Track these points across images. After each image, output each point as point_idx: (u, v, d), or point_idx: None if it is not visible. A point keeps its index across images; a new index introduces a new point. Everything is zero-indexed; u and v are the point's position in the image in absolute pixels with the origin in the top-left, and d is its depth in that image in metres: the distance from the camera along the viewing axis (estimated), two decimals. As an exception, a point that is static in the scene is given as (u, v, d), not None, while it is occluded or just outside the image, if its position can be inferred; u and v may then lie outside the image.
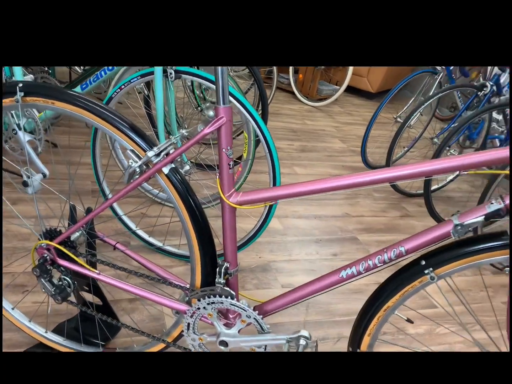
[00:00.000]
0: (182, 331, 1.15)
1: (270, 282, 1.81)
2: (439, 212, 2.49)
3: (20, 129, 1.70)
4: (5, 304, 1.28)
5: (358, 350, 1.01)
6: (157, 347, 1.19)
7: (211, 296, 1.00)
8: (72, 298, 1.20)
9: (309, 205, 2.49)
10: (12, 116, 1.71)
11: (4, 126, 1.76)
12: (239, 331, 1.04)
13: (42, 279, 1.06)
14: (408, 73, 5.56)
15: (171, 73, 1.48)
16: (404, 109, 3.11)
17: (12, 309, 1.28)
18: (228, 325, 1.06)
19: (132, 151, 0.94)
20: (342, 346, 1.54)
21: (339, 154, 3.39)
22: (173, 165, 0.95)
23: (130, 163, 0.93)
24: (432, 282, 0.88)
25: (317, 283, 0.98)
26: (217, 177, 0.95)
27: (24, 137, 1.69)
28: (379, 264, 0.91)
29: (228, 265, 1.00)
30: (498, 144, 2.95)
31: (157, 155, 0.93)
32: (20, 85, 0.94)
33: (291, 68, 4.68)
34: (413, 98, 3.13)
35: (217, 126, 0.88)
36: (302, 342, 0.96)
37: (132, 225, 1.85)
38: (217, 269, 1.00)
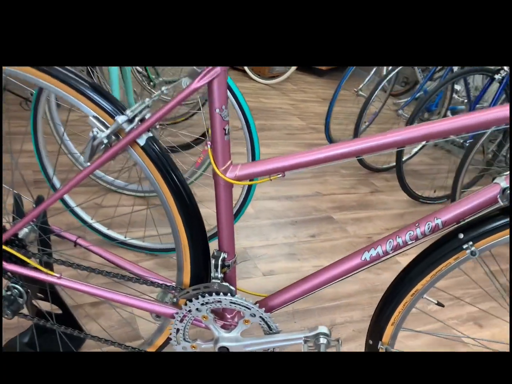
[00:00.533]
0: (168, 338, 0.95)
1: (250, 270, 1.64)
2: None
3: None
4: None
5: (380, 342, 0.87)
6: (137, 360, 0.99)
7: (206, 295, 0.82)
8: (24, 309, 0.97)
9: (279, 185, 2.33)
10: None
11: None
12: (241, 334, 0.86)
13: (-16, 290, 0.83)
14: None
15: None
16: (365, 82, 3.01)
17: None
18: (226, 328, 0.88)
19: (96, 117, 0.73)
20: (337, 334, 1.41)
21: (300, 132, 3.25)
22: (150, 134, 0.75)
23: (94, 133, 0.72)
24: (473, 257, 0.75)
25: (333, 269, 0.82)
26: (209, 146, 0.76)
27: None
28: (410, 242, 0.76)
29: (225, 256, 0.82)
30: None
31: (130, 121, 0.72)
32: None
33: (240, 46, 4.46)
34: (374, 70, 3.03)
35: (209, 79, 0.69)
36: (322, 340, 0.80)
37: (87, 218, 1.61)
38: (213, 261, 0.82)
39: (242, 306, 0.82)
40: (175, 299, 0.87)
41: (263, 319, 0.83)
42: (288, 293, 0.85)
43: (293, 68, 4.45)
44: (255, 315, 0.83)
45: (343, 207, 2.25)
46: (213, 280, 0.82)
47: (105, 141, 0.72)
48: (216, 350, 0.86)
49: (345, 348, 1.36)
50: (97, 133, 0.72)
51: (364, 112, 2.59)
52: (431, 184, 2.59)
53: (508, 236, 0.73)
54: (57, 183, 1.57)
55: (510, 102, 2.57)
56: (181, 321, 0.86)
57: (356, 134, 2.66)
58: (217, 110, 0.71)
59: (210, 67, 0.68)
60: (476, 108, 2.70)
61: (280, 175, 0.76)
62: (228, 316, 0.89)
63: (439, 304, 0.85)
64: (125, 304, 0.88)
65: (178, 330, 0.87)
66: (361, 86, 2.97)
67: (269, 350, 0.86)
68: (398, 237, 0.77)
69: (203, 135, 1.99)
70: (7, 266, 0.83)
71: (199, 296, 0.82)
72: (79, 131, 1.69)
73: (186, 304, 0.83)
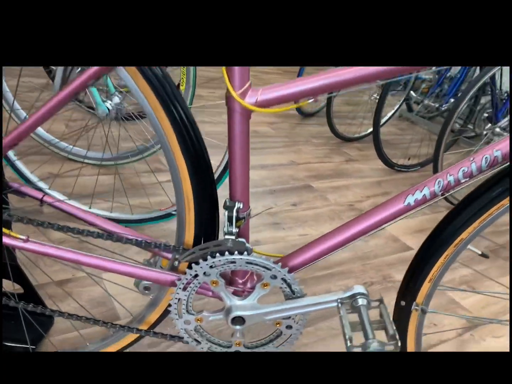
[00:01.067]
0: (164, 312, 0.80)
1: (233, 241, 1.49)
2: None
3: None
4: None
5: (414, 302, 0.76)
6: (124, 341, 0.82)
7: (217, 254, 0.67)
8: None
9: (252, 155, 2.17)
10: None
11: None
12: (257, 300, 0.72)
13: None
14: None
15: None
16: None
17: None
18: (238, 294, 0.73)
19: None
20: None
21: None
22: (148, 47, 0.58)
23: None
24: (531, 196, 0.64)
25: (369, 218, 0.69)
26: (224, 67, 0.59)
27: None
28: (463, 180, 0.64)
29: (240, 206, 0.67)
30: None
31: (123, 26, 0.55)
32: None
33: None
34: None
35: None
36: (361, 301, 0.67)
37: (43, 186, 1.39)
38: (225, 213, 0.66)
39: (261, 266, 0.68)
40: (176, 263, 0.71)
41: (285, 281, 0.69)
42: (311, 250, 0.71)
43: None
44: (276, 277, 0.69)
45: (320, 175, 2.14)
46: (226, 236, 0.67)
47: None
48: (229, 322, 0.71)
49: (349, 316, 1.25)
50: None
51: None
52: (402, 153, 2.53)
53: None
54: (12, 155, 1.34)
55: (511, 102, 2.55)
56: (184, 289, 0.70)
57: (330, 103, 2.54)
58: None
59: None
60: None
61: (311, 99, 0.61)
62: (240, 281, 0.74)
63: (483, 255, 0.74)
64: (111, 271, 0.71)
65: (179, 300, 0.71)
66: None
67: (292, 318, 0.72)
68: (449, 175, 0.65)
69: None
70: (-45, 228, 0.64)
71: (208, 257, 0.67)
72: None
73: (191, 268, 0.68)
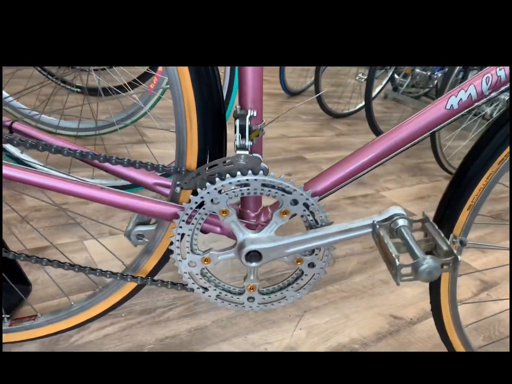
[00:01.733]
0: (162, 259, 0.68)
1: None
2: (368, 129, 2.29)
3: None
4: None
5: (451, 235, 0.66)
6: (114, 297, 0.70)
7: (227, 176, 0.55)
8: None
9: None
10: None
11: None
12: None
13: None
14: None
15: None
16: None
17: None
18: (251, 227, 0.62)
19: None
20: (343, 267, 1.20)
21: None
22: None
23: None
24: None
25: (403, 130, 0.59)
26: None
27: None
28: (516, 74, 0.55)
29: (254, 114, 0.56)
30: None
31: None
32: None
33: None
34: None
35: None
36: (402, 221, 0.56)
37: (17, 153, 1.25)
38: (236, 122, 0.55)
39: (280, 189, 0.57)
40: (178, 189, 0.59)
41: (307, 207, 0.58)
42: (338, 172, 0.61)
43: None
44: (297, 202, 0.58)
45: (312, 148, 2.04)
46: (238, 152, 0.55)
47: None
48: (243, 259, 0.60)
49: (356, 280, 1.16)
50: None
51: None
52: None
53: None
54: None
55: (511, 102, 2.57)
56: (188, 221, 0.59)
57: (318, 79, 2.46)
58: None
59: None
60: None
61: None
62: (252, 215, 0.63)
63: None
64: (103, 202, 0.59)
65: (182, 236, 0.60)
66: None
67: (316, 254, 0.62)
68: (500, 69, 0.55)
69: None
70: None
71: (217, 179, 0.55)
72: None
73: (196, 194, 0.56)
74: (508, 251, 1.28)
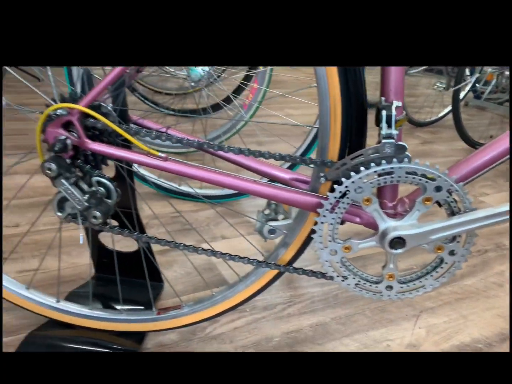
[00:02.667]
0: (299, 250, 0.72)
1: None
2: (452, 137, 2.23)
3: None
4: (-20, 267, 0.77)
5: None
6: (259, 283, 0.75)
7: (371, 164, 0.58)
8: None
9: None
10: None
11: None
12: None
13: (64, 181, 0.58)
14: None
15: None
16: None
17: (-5, 273, 0.78)
18: (390, 216, 0.64)
19: None
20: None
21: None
22: None
23: None
24: None
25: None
26: None
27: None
28: None
29: (399, 104, 0.59)
30: None
31: None
32: None
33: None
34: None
35: None
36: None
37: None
38: (383, 113, 0.58)
39: (424, 176, 0.59)
40: (322, 180, 0.63)
41: (451, 194, 0.60)
42: (480, 158, 0.62)
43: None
44: (440, 189, 0.59)
45: (399, 156, 2.02)
46: (385, 140, 0.58)
47: None
48: (386, 246, 0.62)
49: (469, 282, 1.13)
50: None
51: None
52: (479, 135, 2.38)
53: None
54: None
55: (510, 101, 2.46)
56: (332, 211, 0.62)
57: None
58: None
59: None
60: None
61: None
62: (389, 204, 0.65)
63: None
64: (251, 192, 0.64)
65: (324, 225, 0.63)
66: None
67: (457, 241, 0.63)
68: None
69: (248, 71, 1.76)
70: (92, 145, 0.59)
71: (361, 168, 0.59)
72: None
73: (340, 184, 0.60)
74: None
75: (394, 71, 0.59)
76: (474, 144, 2.24)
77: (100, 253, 0.92)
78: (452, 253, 0.64)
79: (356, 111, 0.61)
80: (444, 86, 2.80)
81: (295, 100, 2.69)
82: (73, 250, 1.05)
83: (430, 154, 2.12)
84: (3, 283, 0.77)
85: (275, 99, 1.57)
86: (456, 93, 2.24)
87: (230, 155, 0.69)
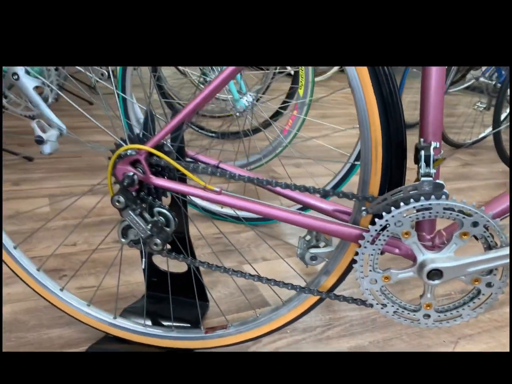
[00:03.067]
0: (340, 278, 0.76)
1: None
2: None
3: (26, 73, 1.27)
4: (48, 284, 0.86)
5: None
6: (301, 307, 0.79)
7: (411, 200, 0.63)
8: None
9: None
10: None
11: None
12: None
13: (131, 213, 0.65)
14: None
15: None
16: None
17: (61, 290, 0.86)
18: (427, 248, 0.68)
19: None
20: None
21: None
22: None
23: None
24: None
25: None
26: None
27: (29, 83, 1.27)
28: None
29: (437, 145, 0.63)
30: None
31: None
32: None
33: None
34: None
35: None
36: None
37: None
38: (422, 153, 0.63)
39: (461, 212, 0.63)
40: (364, 213, 0.67)
41: (487, 229, 0.63)
42: (513, 197, 0.65)
43: (336, 68, 4.36)
44: (477, 224, 0.63)
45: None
46: (423, 179, 0.63)
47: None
48: (424, 277, 0.66)
49: (508, 310, 1.13)
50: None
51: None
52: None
53: None
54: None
55: (510, 102, 2.40)
56: (373, 242, 0.67)
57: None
58: None
59: None
60: None
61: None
62: (428, 237, 0.69)
63: None
64: (297, 224, 0.69)
65: (365, 256, 0.68)
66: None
67: (494, 274, 0.66)
68: None
69: (289, 96, 1.82)
70: (155, 180, 0.66)
71: (401, 204, 0.63)
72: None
73: (381, 217, 0.64)
74: None
75: (432, 112, 0.63)
76: (516, 167, 2.21)
77: (151, 273, 0.99)
78: (489, 285, 0.67)
79: (396, 149, 0.66)
80: (484, 106, 2.77)
81: (334, 123, 2.74)
82: (126, 269, 1.13)
83: (470, 177, 2.11)
84: (68, 301, 0.85)
85: (311, 121, 1.63)
86: (497, 113, 2.22)
87: (278, 188, 0.75)
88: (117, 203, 0.65)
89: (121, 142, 0.65)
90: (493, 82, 2.54)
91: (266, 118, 1.75)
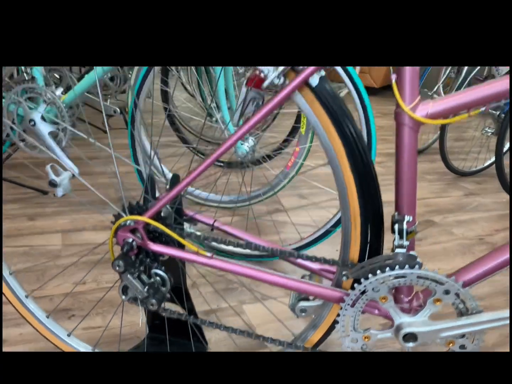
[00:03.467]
0: (325, 333, 0.81)
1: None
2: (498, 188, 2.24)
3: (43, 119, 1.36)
4: (56, 330, 0.92)
5: None
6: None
7: (387, 269, 0.68)
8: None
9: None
10: (29, 105, 1.38)
11: (17, 119, 1.42)
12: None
13: (129, 276, 0.72)
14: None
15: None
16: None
17: (68, 336, 0.93)
18: (406, 312, 0.73)
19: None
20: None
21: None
22: (323, 73, 0.64)
23: (264, 72, 0.61)
24: None
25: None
26: (393, 80, 0.63)
27: (45, 129, 1.36)
28: None
29: (410, 219, 0.68)
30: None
31: (303, 56, 0.61)
32: None
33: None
34: (439, 84, 2.91)
35: None
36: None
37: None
38: (395, 227, 0.68)
39: (433, 281, 0.67)
40: (345, 278, 0.73)
41: (457, 296, 0.68)
42: (484, 265, 0.70)
43: (346, 90, 4.42)
44: (449, 292, 0.67)
45: (441, 210, 2.06)
46: (398, 250, 0.68)
47: (276, 81, 0.61)
48: (400, 340, 0.71)
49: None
50: (268, 72, 0.61)
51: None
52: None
53: None
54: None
55: (510, 103, 2.39)
56: (353, 305, 0.72)
57: (443, 137, 2.48)
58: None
59: None
60: None
61: (483, 109, 0.62)
62: (405, 299, 0.73)
63: None
64: (284, 286, 0.74)
65: (346, 317, 0.73)
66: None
67: (467, 337, 0.70)
68: None
69: (291, 133, 1.88)
70: (152, 246, 0.72)
71: (378, 271, 0.68)
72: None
73: (359, 283, 0.69)
74: None
75: (406, 187, 0.68)
76: (520, 197, 2.23)
77: (154, 316, 1.04)
78: (463, 347, 0.71)
79: (373, 219, 0.71)
80: (492, 131, 2.76)
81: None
82: (131, 309, 1.19)
83: (473, 208, 2.13)
84: (75, 347, 0.92)
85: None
86: (499, 143, 2.23)
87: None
88: (117, 267, 0.71)
89: (121, 213, 0.71)
90: (497, 113, 2.55)
91: (268, 154, 1.82)
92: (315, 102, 0.64)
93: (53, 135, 1.37)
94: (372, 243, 0.73)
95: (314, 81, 0.63)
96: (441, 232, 1.85)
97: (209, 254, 0.72)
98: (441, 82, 3.08)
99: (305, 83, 0.63)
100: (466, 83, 2.75)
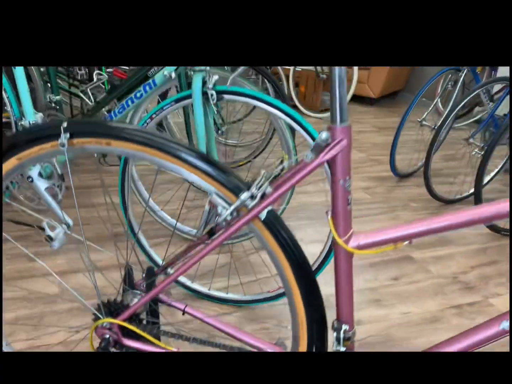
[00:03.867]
0: None
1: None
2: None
3: (41, 176, 1.48)
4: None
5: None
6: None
7: (328, 368, 0.78)
8: None
9: (350, 224, 2.27)
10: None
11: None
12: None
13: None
14: (406, 76, 5.45)
15: (212, 95, 1.27)
16: (428, 111, 2.93)
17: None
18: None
19: (219, 195, 0.73)
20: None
21: (361, 164, 3.20)
22: (270, 207, 0.74)
23: (219, 211, 0.72)
24: None
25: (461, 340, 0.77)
26: (329, 216, 0.74)
27: (41, 185, 1.47)
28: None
29: (346, 327, 0.79)
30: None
31: (252, 197, 0.72)
32: (65, 125, 0.72)
33: (291, 81, 4.56)
34: (437, 99, 2.97)
35: (336, 153, 0.68)
36: None
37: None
38: (334, 334, 0.79)
39: (367, 379, 0.78)
40: (293, 372, 0.83)
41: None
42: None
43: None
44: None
45: (421, 244, 2.15)
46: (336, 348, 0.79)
47: (229, 218, 0.72)
48: None
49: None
50: (221, 211, 0.72)
51: (437, 140, 2.49)
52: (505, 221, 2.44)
53: None
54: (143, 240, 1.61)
55: (511, 104, 2.41)
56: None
57: (428, 163, 2.56)
58: (341, 182, 0.70)
59: (338, 140, 0.67)
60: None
61: (407, 242, 0.72)
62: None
63: None
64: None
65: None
66: (424, 115, 2.91)
67: None
68: None
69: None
70: (126, 341, 0.84)
71: None
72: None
73: (306, 377, 0.80)
74: None
75: (344, 300, 0.79)
76: (498, 230, 2.31)
77: None
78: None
79: (317, 321, 0.82)
80: (481, 153, 2.81)
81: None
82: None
83: (452, 241, 2.21)
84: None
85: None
86: (479, 175, 2.27)
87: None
88: (96, 360, 0.83)
89: (99, 315, 0.82)
90: (481, 145, 2.62)
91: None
92: (265, 230, 0.75)
93: (50, 191, 1.48)
94: (317, 343, 0.83)
95: (263, 215, 0.73)
96: (417, 269, 1.95)
97: (175, 349, 0.83)
98: (438, 97, 3.14)
99: (256, 217, 0.73)
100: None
